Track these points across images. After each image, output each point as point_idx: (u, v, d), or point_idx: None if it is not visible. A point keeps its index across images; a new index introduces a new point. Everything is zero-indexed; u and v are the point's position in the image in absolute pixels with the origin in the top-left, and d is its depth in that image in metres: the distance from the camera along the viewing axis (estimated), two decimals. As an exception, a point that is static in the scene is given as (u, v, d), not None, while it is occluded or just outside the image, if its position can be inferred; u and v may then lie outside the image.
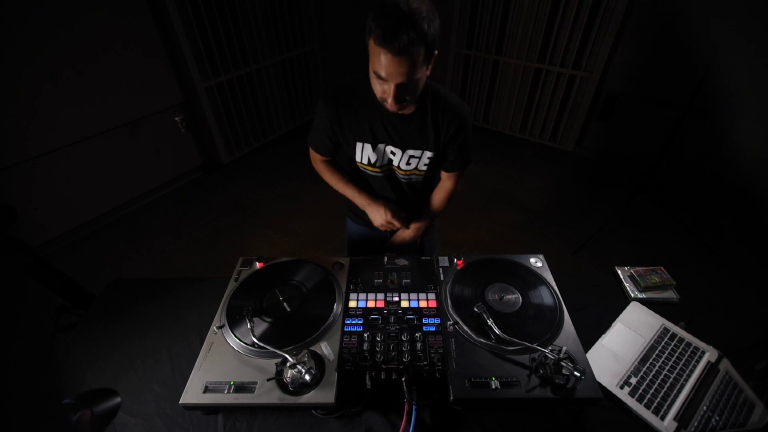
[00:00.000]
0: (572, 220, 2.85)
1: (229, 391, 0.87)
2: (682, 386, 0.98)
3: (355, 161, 1.23)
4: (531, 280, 1.12)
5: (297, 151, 3.77)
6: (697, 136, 2.94)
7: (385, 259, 1.18)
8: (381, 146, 1.16)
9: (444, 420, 0.91)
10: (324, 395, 0.86)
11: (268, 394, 0.86)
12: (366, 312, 1.02)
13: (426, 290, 1.08)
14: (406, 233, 1.33)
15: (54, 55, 2.26)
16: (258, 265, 1.18)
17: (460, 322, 0.98)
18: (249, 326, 0.95)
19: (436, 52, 0.96)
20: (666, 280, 1.24)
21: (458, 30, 3.57)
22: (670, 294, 1.22)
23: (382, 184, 1.29)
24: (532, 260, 1.19)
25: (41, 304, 1.69)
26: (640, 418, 0.92)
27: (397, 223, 1.23)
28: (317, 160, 1.33)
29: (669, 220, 2.69)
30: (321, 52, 3.95)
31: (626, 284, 1.26)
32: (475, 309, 0.98)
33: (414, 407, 0.85)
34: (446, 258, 1.19)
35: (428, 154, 1.17)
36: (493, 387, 0.86)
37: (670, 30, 2.75)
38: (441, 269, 1.16)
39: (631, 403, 0.94)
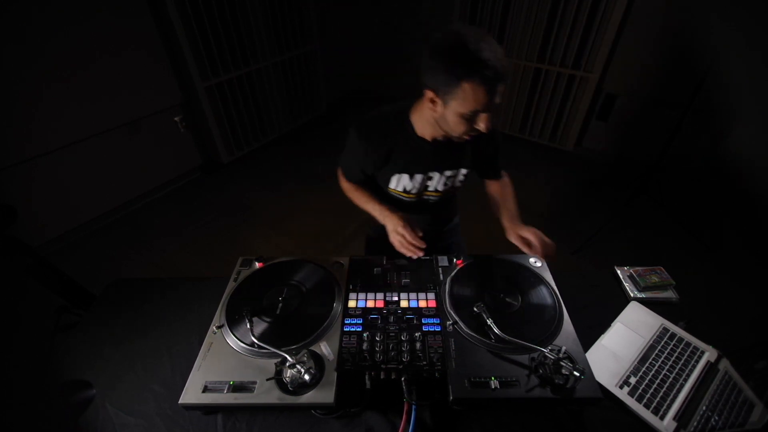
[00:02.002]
0: (572, 219, 2.85)
1: (228, 391, 0.87)
2: (682, 386, 0.98)
3: (388, 187, 1.22)
4: (531, 279, 1.12)
5: (297, 151, 3.77)
6: (697, 136, 2.94)
7: (384, 259, 1.18)
8: (418, 176, 1.16)
9: (444, 420, 0.91)
10: (323, 395, 0.86)
11: (267, 394, 0.86)
12: (365, 312, 1.02)
13: (425, 290, 1.08)
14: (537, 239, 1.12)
15: (54, 56, 2.27)
16: (257, 264, 1.18)
17: (460, 322, 0.98)
18: (248, 326, 0.95)
19: None
20: (665, 279, 1.24)
21: (458, 30, 3.56)
22: (669, 294, 1.22)
23: (414, 207, 1.29)
24: (532, 260, 1.19)
25: (41, 304, 1.69)
26: (640, 417, 0.92)
27: (407, 234, 1.10)
28: (344, 180, 1.31)
29: (669, 220, 2.69)
30: (321, 52, 3.95)
31: (626, 284, 1.26)
32: (475, 309, 0.98)
33: (414, 407, 0.85)
34: (446, 258, 1.19)
35: (463, 171, 1.20)
36: (493, 387, 0.86)
37: (670, 29, 2.76)
38: (440, 269, 1.16)
39: (631, 402, 0.94)
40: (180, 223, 2.90)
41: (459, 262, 1.17)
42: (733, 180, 2.91)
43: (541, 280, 1.11)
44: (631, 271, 1.29)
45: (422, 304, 1.04)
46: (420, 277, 1.12)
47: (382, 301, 1.05)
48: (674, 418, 0.91)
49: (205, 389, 0.87)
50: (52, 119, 2.37)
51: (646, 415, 0.92)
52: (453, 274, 1.13)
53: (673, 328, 1.12)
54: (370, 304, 1.04)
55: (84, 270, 1.78)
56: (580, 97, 3.30)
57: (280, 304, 1.05)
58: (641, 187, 2.55)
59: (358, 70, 4.58)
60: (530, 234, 1.12)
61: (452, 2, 3.45)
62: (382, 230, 1.47)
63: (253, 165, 3.56)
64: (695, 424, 0.91)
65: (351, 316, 1.01)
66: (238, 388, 0.87)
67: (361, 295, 1.07)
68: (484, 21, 3.41)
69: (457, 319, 0.99)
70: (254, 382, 0.88)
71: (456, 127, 0.98)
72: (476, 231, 2.78)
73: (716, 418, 0.92)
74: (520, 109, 3.64)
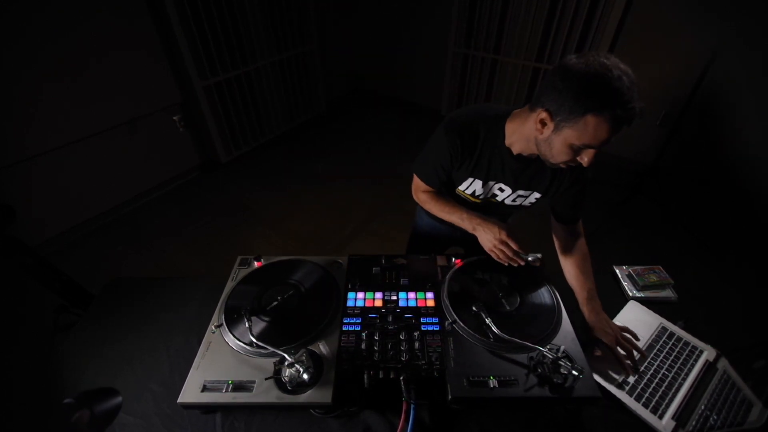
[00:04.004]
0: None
1: (227, 390, 0.87)
2: (680, 385, 0.98)
3: (456, 188, 1.19)
4: (529, 279, 1.12)
5: (296, 150, 3.77)
6: (695, 135, 2.94)
7: (383, 258, 1.18)
8: (491, 183, 1.13)
9: (442, 419, 0.91)
10: (322, 394, 0.86)
11: (266, 393, 0.86)
12: (364, 311, 1.02)
13: (424, 289, 1.08)
14: (607, 331, 1.04)
15: (53, 55, 2.26)
16: (256, 264, 1.18)
17: (459, 321, 0.98)
18: (247, 325, 0.95)
19: None
20: (664, 279, 1.24)
21: (456, 29, 3.56)
22: (668, 293, 1.22)
23: (475, 209, 1.23)
24: (531, 259, 1.19)
25: (40, 304, 1.68)
26: (639, 417, 0.93)
27: (512, 244, 1.02)
28: (421, 190, 1.23)
29: (667, 219, 2.70)
30: (319, 52, 3.95)
31: (624, 283, 1.26)
32: (474, 308, 0.98)
33: (412, 406, 0.85)
34: (445, 257, 1.19)
35: (536, 195, 1.15)
36: (492, 386, 0.86)
37: (669, 29, 2.76)
38: (439, 268, 1.16)
39: (630, 402, 0.94)
40: (179, 222, 2.90)
41: (458, 261, 1.17)
42: (732, 179, 2.91)
43: (540, 280, 1.11)
44: (629, 270, 1.29)
45: (421, 303, 1.04)
46: (419, 276, 1.12)
47: (381, 301, 1.05)
48: (673, 418, 0.91)
49: (204, 388, 0.87)
50: (51, 119, 2.36)
51: (645, 414, 0.92)
52: (452, 273, 1.13)
53: (672, 327, 1.12)
54: (369, 303, 1.04)
55: (83, 269, 1.77)
56: (579, 97, 3.30)
57: (279, 304, 1.05)
58: (639, 186, 2.56)
59: (357, 70, 4.58)
60: (615, 342, 1.02)
61: (451, 1, 3.45)
62: (428, 225, 1.44)
63: (252, 164, 3.56)
64: (694, 423, 0.91)
65: (350, 316, 1.01)
66: (236, 387, 0.87)
67: (360, 295, 1.07)
68: (483, 21, 3.41)
69: (455, 318, 0.99)
70: (253, 382, 0.88)
71: (558, 155, 0.93)
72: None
73: (715, 417, 0.92)
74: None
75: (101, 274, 1.62)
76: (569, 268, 1.18)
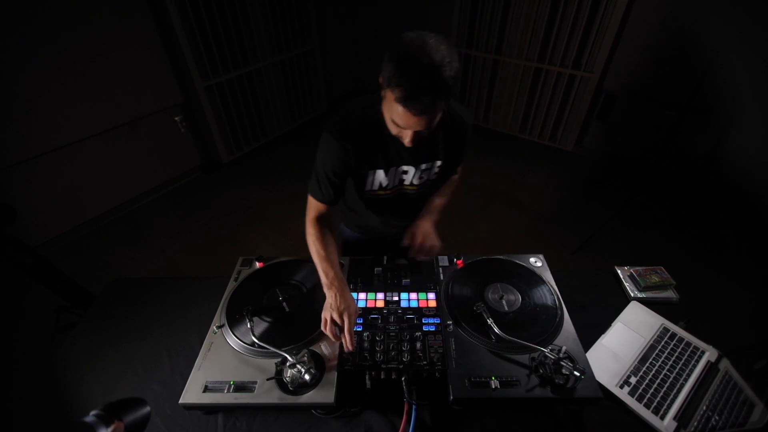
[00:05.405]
0: (572, 219, 2.85)
1: (228, 391, 0.87)
2: (682, 386, 0.98)
3: (364, 190, 1.17)
4: (531, 279, 1.12)
5: (297, 150, 3.77)
6: (697, 136, 2.94)
7: (385, 258, 1.18)
8: (393, 168, 1.13)
9: (444, 420, 0.91)
10: (324, 395, 0.86)
11: (267, 394, 0.86)
12: (366, 312, 1.02)
13: (426, 290, 1.08)
14: (428, 236, 1.16)
15: (55, 56, 2.26)
16: (258, 264, 1.18)
17: (460, 322, 0.98)
18: (249, 326, 0.95)
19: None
20: (666, 279, 1.24)
21: (458, 29, 3.56)
22: (669, 294, 1.22)
23: (392, 203, 1.25)
24: (532, 260, 1.19)
25: (41, 304, 1.69)
26: (640, 417, 0.92)
27: (347, 325, 0.92)
28: (313, 213, 1.12)
29: (668, 219, 2.69)
30: (320, 52, 3.96)
31: (626, 284, 1.26)
32: (475, 309, 0.98)
33: (414, 407, 0.85)
34: (446, 258, 1.19)
35: (438, 163, 1.16)
36: (493, 387, 0.86)
37: (670, 29, 2.76)
38: (441, 269, 1.16)
39: (631, 402, 0.94)
40: (180, 223, 2.90)
41: (459, 262, 1.17)
42: (733, 180, 2.91)
43: (542, 280, 1.11)
44: (631, 270, 1.29)
45: (422, 303, 1.04)
46: (420, 277, 1.12)
47: (383, 301, 1.05)
48: (674, 418, 0.91)
49: (206, 389, 0.87)
50: (53, 119, 2.37)
51: (647, 414, 0.92)
52: (453, 274, 1.13)
53: (674, 327, 1.12)
54: (371, 303, 1.05)
55: (84, 270, 1.78)
56: (580, 97, 3.30)
57: (281, 304, 1.05)
58: (640, 186, 2.56)
59: (358, 70, 4.58)
60: (418, 233, 1.15)
61: (452, 1, 3.45)
62: (359, 235, 1.44)
63: (253, 165, 3.56)
64: (695, 423, 0.91)
65: (351, 316, 1.01)
66: (238, 387, 0.88)
67: (362, 295, 1.07)
68: (484, 21, 3.41)
69: (457, 318, 0.99)
70: (255, 382, 0.88)
71: (389, 125, 0.94)
72: (480, 227, 2.78)
73: (716, 417, 0.92)
74: (521, 109, 3.64)
75: (102, 275, 1.63)
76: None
